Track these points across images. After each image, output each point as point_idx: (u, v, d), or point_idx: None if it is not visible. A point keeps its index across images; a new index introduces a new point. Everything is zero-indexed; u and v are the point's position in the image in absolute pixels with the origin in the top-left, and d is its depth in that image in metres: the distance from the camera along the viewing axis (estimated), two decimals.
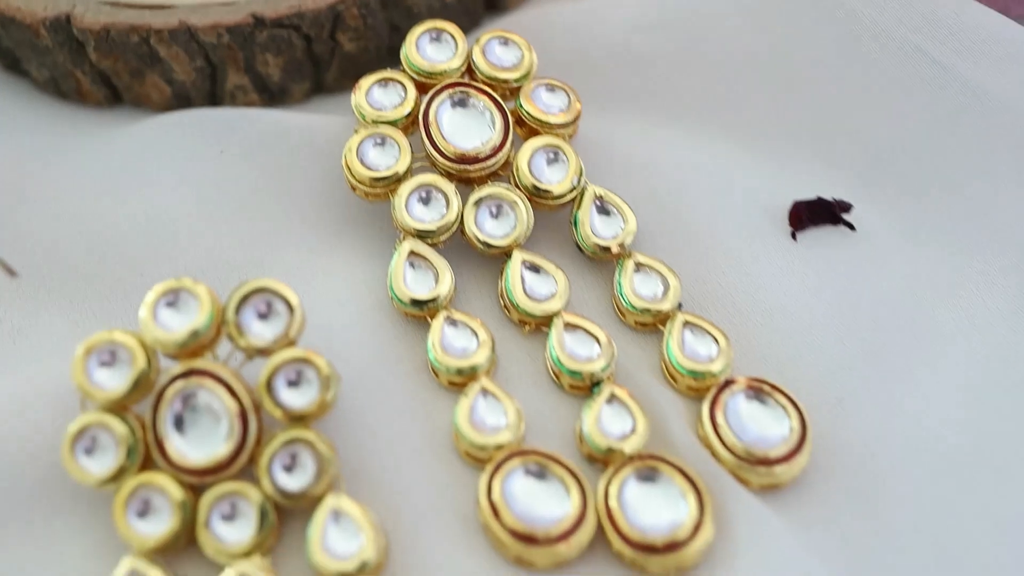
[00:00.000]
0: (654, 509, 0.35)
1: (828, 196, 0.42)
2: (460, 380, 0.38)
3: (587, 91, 0.44)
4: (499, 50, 0.42)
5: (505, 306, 0.40)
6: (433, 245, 0.40)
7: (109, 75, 0.45)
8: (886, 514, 0.36)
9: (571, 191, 0.41)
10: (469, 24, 0.47)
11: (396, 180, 0.40)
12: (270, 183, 0.42)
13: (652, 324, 0.39)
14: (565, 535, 0.34)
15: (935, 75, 0.44)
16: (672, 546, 0.34)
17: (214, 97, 0.46)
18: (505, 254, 0.40)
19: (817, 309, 0.40)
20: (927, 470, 0.37)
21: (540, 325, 0.39)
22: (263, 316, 0.35)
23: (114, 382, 0.34)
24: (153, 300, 0.35)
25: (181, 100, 0.45)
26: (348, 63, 0.46)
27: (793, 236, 0.42)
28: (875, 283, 0.41)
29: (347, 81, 0.46)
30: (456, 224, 0.40)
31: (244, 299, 0.35)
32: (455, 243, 0.40)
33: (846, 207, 0.42)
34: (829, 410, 0.38)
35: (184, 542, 0.35)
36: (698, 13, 0.46)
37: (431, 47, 0.42)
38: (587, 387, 0.38)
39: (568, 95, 0.42)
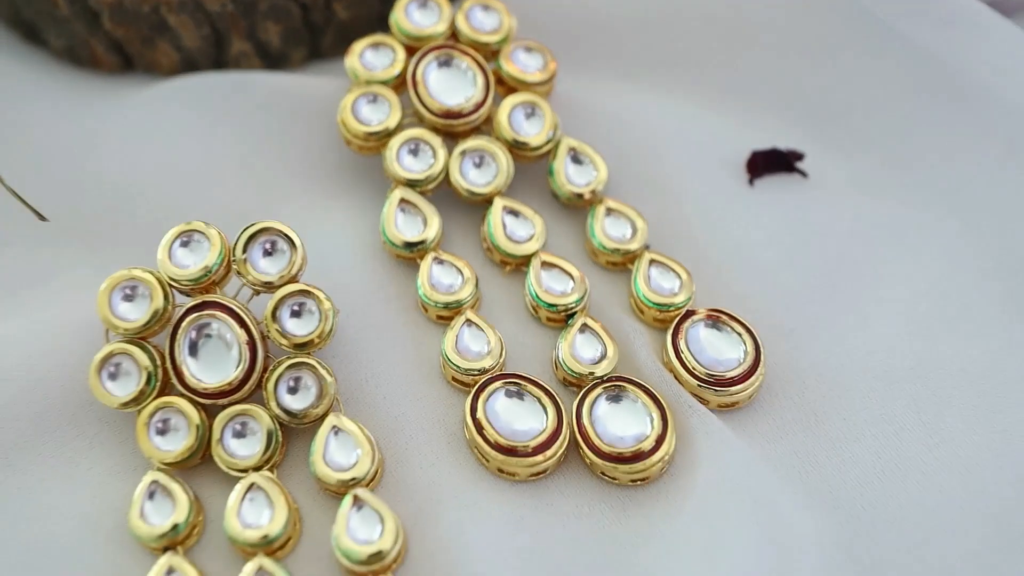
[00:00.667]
0: (622, 424, 0.38)
1: (783, 146, 0.45)
2: (447, 314, 0.41)
3: (562, 52, 0.46)
4: (480, 15, 0.45)
5: (488, 248, 0.43)
6: (422, 193, 0.42)
7: (122, 43, 0.47)
8: (833, 430, 0.39)
9: (547, 143, 0.43)
10: None
11: (387, 134, 0.43)
12: (271, 140, 0.45)
13: (621, 263, 0.42)
14: (542, 448, 0.37)
15: (881, 35, 0.46)
16: (638, 456, 0.37)
17: (219, 62, 0.48)
18: (487, 201, 0.43)
19: (772, 248, 0.43)
20: (871, 391, 0.39)
21: (519, 265, 0.42)
22: (268, 253, 0.38)
23: (135, 314, 0.37)
24: (169, 241, 0.38)
25: (188, 65, 0.47)
26: (343, 30, 0.47)
27: (750, 182, 0.44)
28: (825, 225, 0.43)
29: (342, 47, 0.47)
30: (442, 174, 0.43)
31: (251, 238, 0.38)
32: (442, 191, 0.43)
33: (799, 156, 0.44)
34: (783, 339, 0.41)
35: (199, 458, 0.38)
36: None
37: (418, 13, 0.44)
38: (562, 319, 0.41)
39: (544, 56, 0.45)
